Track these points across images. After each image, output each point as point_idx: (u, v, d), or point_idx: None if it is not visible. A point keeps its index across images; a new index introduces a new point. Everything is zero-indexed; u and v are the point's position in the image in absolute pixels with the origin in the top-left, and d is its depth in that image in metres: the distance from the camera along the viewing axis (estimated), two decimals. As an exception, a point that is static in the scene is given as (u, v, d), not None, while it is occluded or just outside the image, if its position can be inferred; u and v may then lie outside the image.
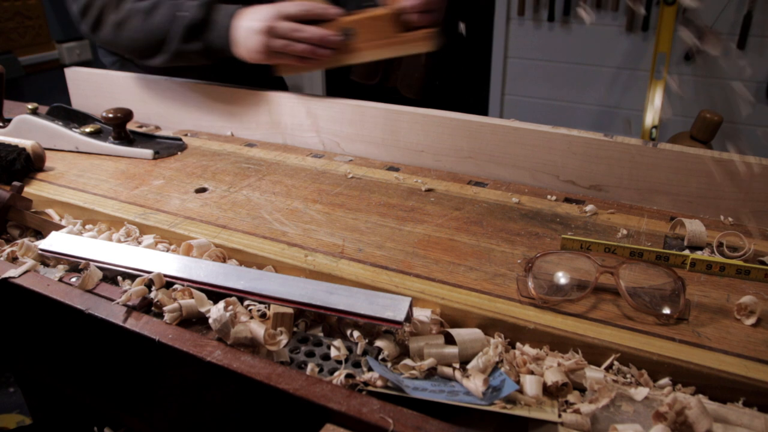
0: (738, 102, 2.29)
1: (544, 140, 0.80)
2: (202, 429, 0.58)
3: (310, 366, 0.51)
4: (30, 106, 0.98)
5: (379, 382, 0.48)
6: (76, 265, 0.67)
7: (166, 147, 0.97)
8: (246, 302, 0.58)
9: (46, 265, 0.68)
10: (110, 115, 0.93)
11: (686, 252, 0.64)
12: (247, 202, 0.77)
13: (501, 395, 0.45)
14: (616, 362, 0.50)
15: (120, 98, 1.16)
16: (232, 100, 1.04)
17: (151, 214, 0.74)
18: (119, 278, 0.64)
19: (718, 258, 0.61)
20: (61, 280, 0.64)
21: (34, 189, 0.82)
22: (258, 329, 0.52)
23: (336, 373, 0.49)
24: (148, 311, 0.58)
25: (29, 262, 0.67)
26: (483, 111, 2.83)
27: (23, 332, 0.71)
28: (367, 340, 0.53)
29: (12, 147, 0.86)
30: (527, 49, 2.65)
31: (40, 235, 0.75)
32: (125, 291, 0.60)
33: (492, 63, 2.74)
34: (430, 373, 0.50)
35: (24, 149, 0.86)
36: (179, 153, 0.96)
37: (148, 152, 0.94)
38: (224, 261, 0.66)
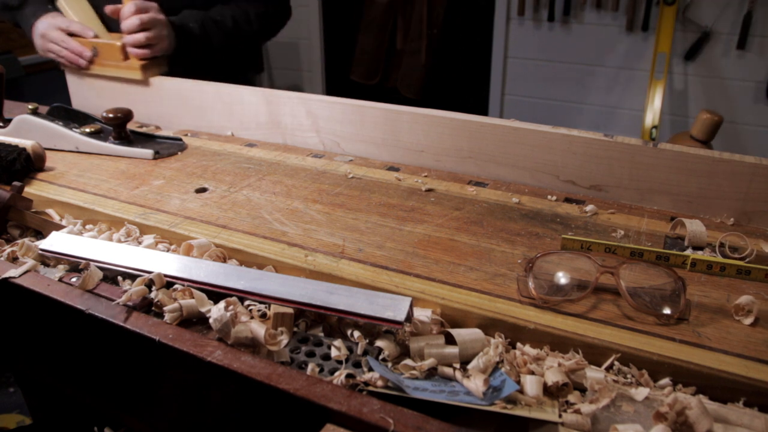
0: (738, 102, 2.29)
1: (544, 140, 0.80)
2: (203, 429, 0.58)
3: (310, 366, 0.51)
4: (30, 106, 0.98)
5: (380, 382, 0.48)
6: (76, 265, 0.67)
7: (167, 147, 0.97)
8: (246, 302, 0.58)
9: (47, 265, 0.68)
10: (110, 115, 0.93)
11: (687, 252, 0.64)
12: (248, 202, 0.77)
13: (501, 395, 0.45)
14: (616, 362, 0.50)
15: (120, 98, 1.16)
16: (232, 100, 1.04)
17: (152, 214, 0.74)
18: (119, 278, 0.64)
19: (718, 258, 0.61)
20: (61, 280, 0.64)
21: (34, 189, 0.82)
22: (258, 329, 0.52)
23: (336, 373, 0.49)
24: (149, 311, 0.58)
25: (29, 262, 0.67)
26: (483, 111, 2.83)
27: (23, 332, 0.71)
28: (367, 340, 0.53)
29: (12, 147, 0.86)
30: (527, 49, 2.65)
31: (40, 235, 0.75)
32: (125, 291, 0.60)
33: (492, 63, 2.74)
34: (431, 373, 0.50)
35: (24, 149, 0.86)
36: (179, 153, 0.96)
37: (148, 152, 0.94)
38: (224, 261, 0.66)
